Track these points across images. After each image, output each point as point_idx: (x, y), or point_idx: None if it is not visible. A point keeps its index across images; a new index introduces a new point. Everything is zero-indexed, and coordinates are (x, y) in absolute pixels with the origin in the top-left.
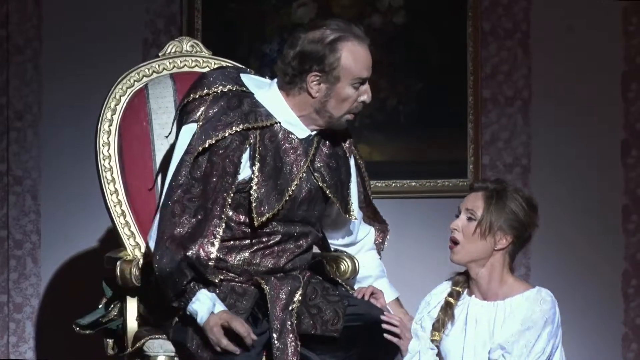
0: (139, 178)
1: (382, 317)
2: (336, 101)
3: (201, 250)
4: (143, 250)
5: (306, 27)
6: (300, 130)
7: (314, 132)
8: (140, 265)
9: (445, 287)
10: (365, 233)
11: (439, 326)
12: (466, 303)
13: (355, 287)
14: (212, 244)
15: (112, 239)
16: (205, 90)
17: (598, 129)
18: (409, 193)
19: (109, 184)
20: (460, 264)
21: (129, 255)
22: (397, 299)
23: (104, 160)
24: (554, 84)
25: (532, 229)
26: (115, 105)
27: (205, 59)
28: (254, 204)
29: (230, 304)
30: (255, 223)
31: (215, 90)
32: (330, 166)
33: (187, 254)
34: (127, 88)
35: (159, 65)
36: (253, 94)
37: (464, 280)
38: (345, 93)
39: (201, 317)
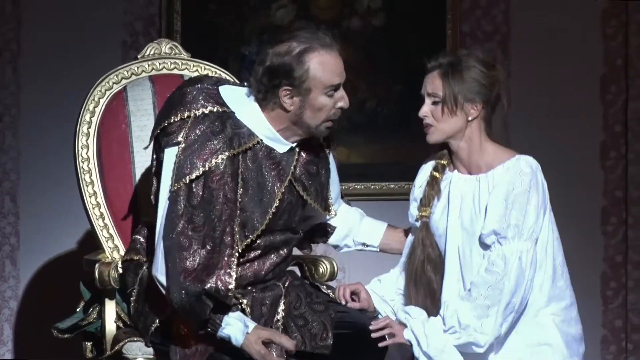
0: (118, 180)
1: (371, 328)
2: (311, 112)
3: (219, 282)
4: (122, 252)
5: (273, 41)
6: (281, 145)
7: (295, 144)
8: (118, 267)
9: (429, 165)
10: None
11: (426, 201)
12: (449, 179)
13: (345, 241)
14: (229, 275)
15: (90, 242)
16: (187, 113)
17: (577, 131)
18: (388, 195)
19: (87, 186)
20: (438, 142)
21: (108, 257)
22: (389, 225)
23: (82, 162)
24: (533, 86)
25: (498, 87)
26: (94, 107)
27: (184, 61)
28: (236, 229)
29: None
30: (239, 248)
31: (196, 112)
32: (310, 172)
33: (206, 287)
34: (105, 90)
35: (137, 68)
36: (234, 112)
37: (448, 154)
38: (319, 103)
39: (236, 340)
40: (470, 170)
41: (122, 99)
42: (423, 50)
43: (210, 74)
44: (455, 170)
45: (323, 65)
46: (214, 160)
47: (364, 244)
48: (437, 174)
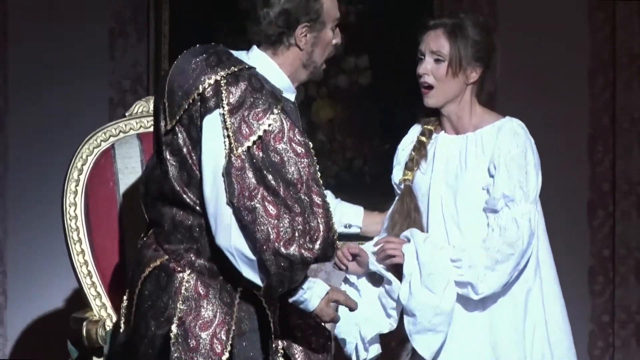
0: (106, 238)
1: (376, 250)
2: (321, 47)
3: (327, 247)
4: (110, 310)
5: None
6: (291, 94)
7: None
8: (105, 326)
9: (416, 130)
10: None
11: (412, 165)
12: (436, 140)
13: None
14: (334, 234)
15: (78, 299)
16: (214, 77)
17: (564, 124)
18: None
19: (75, 244)
20: (437, 106)
21: (95, 315)
22: (365, 209)
23: (70, 220)
24: (519, 79)
25: (494, 53)
26: (82, 165)
27: None
28: (322, 186)
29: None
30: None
31: (227, 71)
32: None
33: (317, 255)
34: (93, 148)
35: (125, 125)
36: (255, 68)
37: (435, 119)
38: (328, 37)
39: (312, 304)
40: (457, 132)
41: (110, 157)
42: (410, 108)
43: None
44: (443, 132)
45: None
46: (271, 117)
47: (346, 225)
48: (424, 139)
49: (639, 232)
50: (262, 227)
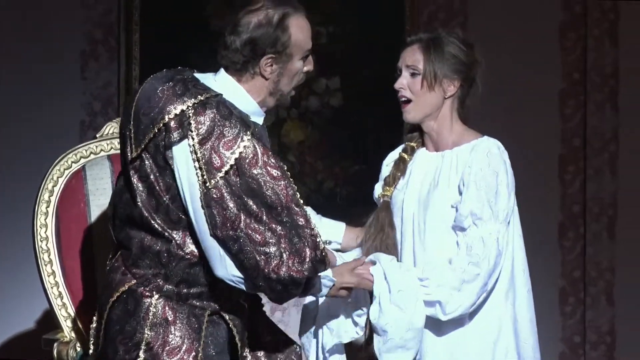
0: (77, 259)
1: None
2: (288, 78)
3: (315, 261)
4: (80, 331)
5: (240, 12)
6: (260, 117)
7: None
8: (76, 347)
9: (399, 148)
10: None
11: (390, 181)
12: (416, 157)
13: None
14: (318, 246)
15: (49, 321)
16: (180, 107)
17: (535, 144)
18: None
19: (46, 265)
20: (416, 121)
21: (66, 337)
22: (347, 225)
23: (41, 241)
24: (492, 98)
25: (476, 67)
26: (53, 186)
27: None
28: (302, 207)
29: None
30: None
31: (194, 101)
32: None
33: (306, 274)
34: (64, 169)
35: (96, 147)
36: (222, 94)
37: (418, 136)
38: (295, 68)
39: (322, 295)
40: (437, 148)
41: (81, 178)
42: (381, 130)
43: None
44: (423, 148)
45: (302, 29)
46: (242, 144)
47: (326, 242)
48: (405, 155)
49: (610, 253)
50: (249, 256)
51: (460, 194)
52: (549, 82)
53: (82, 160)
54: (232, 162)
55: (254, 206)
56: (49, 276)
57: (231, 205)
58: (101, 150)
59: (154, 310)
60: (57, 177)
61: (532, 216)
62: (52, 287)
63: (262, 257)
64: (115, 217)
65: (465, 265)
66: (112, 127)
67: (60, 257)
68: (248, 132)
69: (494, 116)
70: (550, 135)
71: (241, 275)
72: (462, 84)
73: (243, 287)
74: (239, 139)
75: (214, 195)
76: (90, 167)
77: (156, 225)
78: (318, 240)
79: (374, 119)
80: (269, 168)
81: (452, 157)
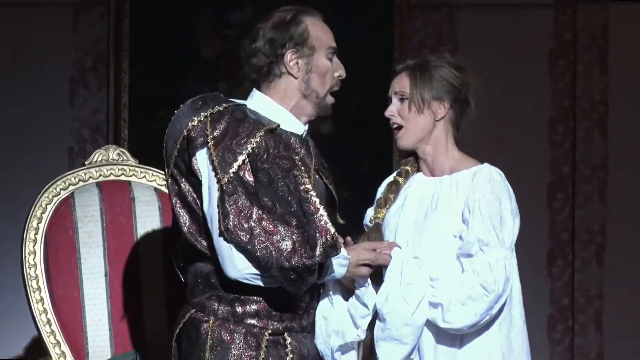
0: (65, 287)
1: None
2: (318, 76)
3: (326, 245)
4: (69, 358)
5: (257, 24)
6: (297, 126)
7: (306, 126)
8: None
9: (395, 172)
10: None
11: (382, 203)
12: (411, 181)
13: None
14: (329, 232)
15: (37, 347)
16: (203, 114)
17: (525, 172)
18: None
19: (34, 292)
20: (409, 147)
21: None
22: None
23: (29, 268)
24: (482, 123)
25: (467, 89)
26: (42, 213)
27: (131, 168)
28: (312, 193)
29: None
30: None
31: (212, 111)
32: (324, 166)
33: (317, 260)
34: (53, 196)
35: (85, 174)
36: (245, 104)
37: (414, 161)
38: (323, 65)
39: (339, 273)
40: (433, 173)
41: (70, 205)
42: (370, 157)
43: (157, 180)
44: (420, 173)
45: (319, 25)
46: (253, 141)
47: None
48: (399, 179)
49: (598, 281)
50: (262, 246)
51: (464, 221)
52: (538, 109)
53: (71, 188)
54: (244, 157)
55: (266, 198)
56: (37, 303)
57: (243, 198)
58: (90, 177)
59: (212, 333)
60: (46, 204)
61: (521, 243)
62: (40, 314)
63: (275, 246)
64: (177, 259)
65: (474, 283)
66: (100, 155)
67: (49, 284)
68: (261, 130)
69: (483, 143)
70: (540, 162)
71: (255, 271)
72: (452, 105)
73: (260, 283)
74: (252, 136)
75: (228, 190)
76: (79, 194)
77: (200, 247)
78: (328, 226)
79: (364, 146)
80: (278, 160)
81: (451, 183)
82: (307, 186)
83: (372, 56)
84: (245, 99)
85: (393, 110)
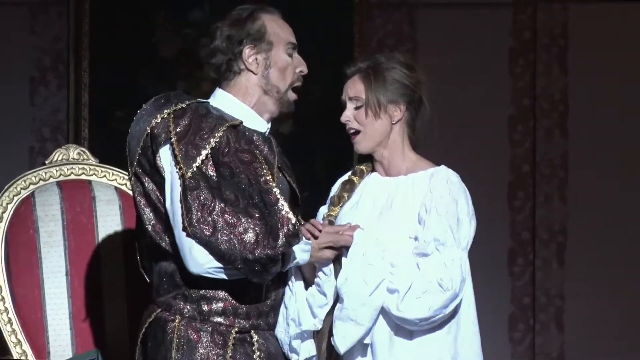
0: (26, 286)
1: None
2: (278, 71)
3: (288, 235)
4: (30, 357)
5: (215, 24)
6: (259, 123)
7: (269, 124)
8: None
9: (350, 172)
10: None
11: (335, 201)
12: (366, 180)
13: None
14: (289, 220)
15: None
16: (166, 111)
17: (485, 171)
18: None
19: None
20: (367, 151)
21: None
22: None
23: None
24: (440, 129)
25: (420, 89)
26: (2, 213)
27: (92, 167)
28: (272, 184)
29: None
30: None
31: (174, 107)
32: (287, 165)
33: (280, 250)
34: (13, 196)
35: (45, 173)
36: (208, 102)
37: (369, 163)
38: (283, 60)
39: (303, 260)
40: (389, 174)
41: (30, 205)
42: (330, 156)
43: (118, 179)
44: (375, 173)
45: (276, 22)
46: (217, 135)
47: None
48: (354, 177)
49: (559, 280)
50: (225, 239)
51: (419, 222)
52: (498, 108)
53: (31, 187)
54: (207, 151)
55: (228, 192)
56: None
57: (206, 192)
58: (50, 176)
59: (178, 333)
60: (6, 204)
61: (482, 242)
62: (1, 314)
63: (238, 238)
64: (142, 258)
65: (431, 279)
66: (61, 154)
67: (10, 283)
68: (224, 125)
69: (443, 142)
70: (500, 161)
71: (218, 265)
72: (408, 107)
73: (223, 276)
74: (215, 131)
75: (191, 185)
76: (40, 193)
77: (165, 245)
78: (289, 215)
79: (324, 146)
80: (239, 154)
81: (407, 183)
82: (266, 177)
83: (331, 55)
84: (207, 98)
85: (349, 116)
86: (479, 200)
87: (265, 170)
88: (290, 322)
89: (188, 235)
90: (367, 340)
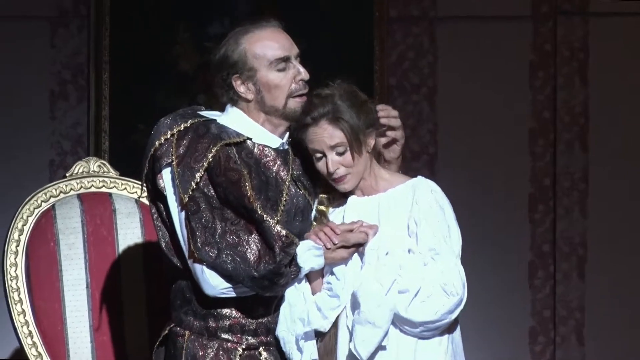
0: (47, 299)
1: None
2: (268, 92)
3: (281, 248)
4: None
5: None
6: (271, 140)
7: (285, 138)
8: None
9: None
10: None
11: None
12: (345, 204)
13: None
14: (279, 233)
15: (19, 359)
16: (169, 132)
17: (506, 183)
18: None
19: (16, 304)
20: (353, 187)
21: None
22: None
23: (11, 280)
24: (462, 138)
25: (374, 109)
26: (23, 225)
27: (112, 179)
28: (256, 203)
29: None
30: (269, 217)
31: (178, 129)
32: (307, 176)
33: (277, 260)
34: (34, 208)
35: (66, 186)
36: (215, 119)
37: (330, 191)
38: (271, 80)
39: (319, 265)
40: (367, 194)
41: (51, 217)
42: None
43: (138, 192)
44: (353, 195)
45: (260, 42)
46: (209, 156)
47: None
48: (323, 208)
49: (580, 293)
50: (229, 259)
51: (410, 235)
52: (518, 121)
53: (52, 200)
54: (200, 173)
55: (227, 211)
56: (19, 315)
57: (207, 213)
58: (71, 189)
59: (186, 348)
60: (27, 216)
61: (502, 255)
62: (22, 326)
63: (241, 258)
64: (166, 272)
65: (435, 284)
66: (81, 166)
67: (31, 296)
68: (217, 144)
69: (464, 155)
70: (520, 174)
71: (228, 285)
72: (375, 130)
73: (235, 294)
74: (208, 152)
75: (192, 209)
76: (60, 206)
77: (175, 261)
78: (278, 229)
79: None
80: (228, 173)
81: (388, 198)
82: (253, 194)
83: (352, 70)
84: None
85: (337, 165)
86: (499, 213)
87: (248, 189)
88: (298, 320)
89: (196, 261)
90: (384, 342)
